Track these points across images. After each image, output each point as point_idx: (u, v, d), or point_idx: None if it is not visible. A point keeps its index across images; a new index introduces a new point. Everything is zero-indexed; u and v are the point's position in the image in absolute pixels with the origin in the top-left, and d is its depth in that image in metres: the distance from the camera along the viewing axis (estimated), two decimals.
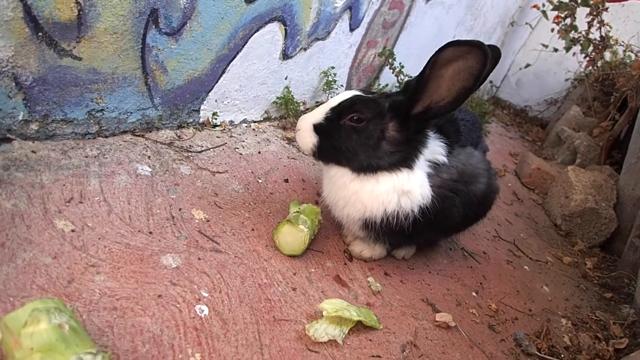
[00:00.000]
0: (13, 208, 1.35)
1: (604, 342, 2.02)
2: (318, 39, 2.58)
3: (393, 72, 3.29)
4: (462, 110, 2.00)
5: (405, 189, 1.64)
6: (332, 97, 2.86)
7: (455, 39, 4.19)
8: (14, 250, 1.24)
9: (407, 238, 1.84)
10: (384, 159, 1.63)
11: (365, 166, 1.64)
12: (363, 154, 1.63)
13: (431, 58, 1.48)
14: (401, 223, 1.67)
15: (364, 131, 1.63)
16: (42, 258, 1.26)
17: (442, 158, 1.72)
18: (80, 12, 1.49)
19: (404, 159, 1.64)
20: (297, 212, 1.76)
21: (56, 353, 0.93)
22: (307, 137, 1.69)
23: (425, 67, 1.50)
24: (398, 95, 1.68)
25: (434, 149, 1.71)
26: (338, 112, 1.66)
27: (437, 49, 1.47)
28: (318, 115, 1.69)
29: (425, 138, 1.69)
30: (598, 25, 4.36)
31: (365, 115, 1.62)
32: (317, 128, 1.67)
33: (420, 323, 1.71)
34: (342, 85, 3.04)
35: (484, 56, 1.42)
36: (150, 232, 1.52)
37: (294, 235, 1.69)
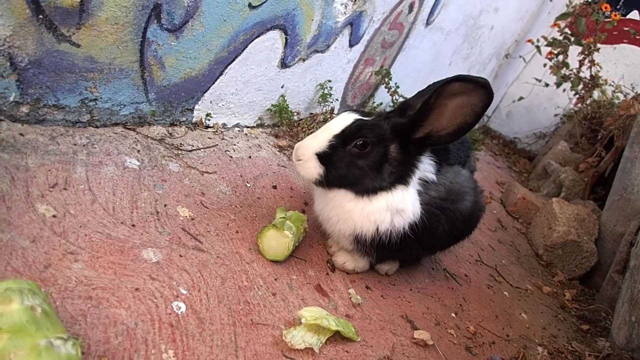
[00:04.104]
0: None
1: None
2: (317, 51, 2.60)
3: (388, 92, 3.32)
4: None
5: (399, 208, 1.64)
6: (325, 109, 2.88)
7: (452, 65, 4.28)
8: None
9: (393, 253, 1.84)
10: (385, 180, 1.63)
11: (370, 189, 1.63)
12: (368, 178, 1.63)
13: (437, 88, 1.49)
14: (391, 240, 1.66)
15: (369, 156, 1.61)
16: (20, 240, 1.23)
17: (431, 176, 1.73)
18: None
19: (401, 177, 1.65)
20: (284, 217, 1.75)
21: (25, 335, 0.90)
22: (311, 168, 1.62)
23: (430, 95, 1.51)
24: (394, 114, 1.68)
25: (424, 166, 1.72)
26: (343, 139, 1.61)
27: (444, 80, 1.49)
28: (321, 142, 1.62)
29: (420, 156, 1.70)
30: (589, 64, 4.48)
31: (370, 140, 1.60)
32: (322, 158, 1.62)
33: (398, 339, 1.70)
34: (337, 100, 3.06)
35: (488, 97, 1.46)
36: (133, 225, 1.50)
37: (278, 241, 1.67)
